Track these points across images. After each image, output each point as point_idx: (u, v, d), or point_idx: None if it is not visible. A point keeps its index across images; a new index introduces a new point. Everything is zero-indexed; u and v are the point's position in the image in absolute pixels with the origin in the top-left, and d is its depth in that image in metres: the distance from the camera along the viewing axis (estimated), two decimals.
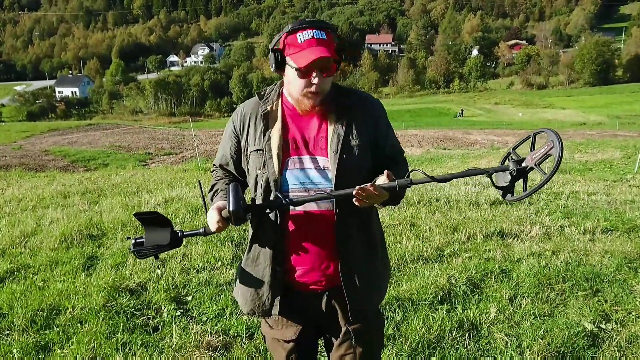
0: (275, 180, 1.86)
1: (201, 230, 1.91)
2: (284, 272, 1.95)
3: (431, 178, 1.75)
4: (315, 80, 1.80)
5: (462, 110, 71.41)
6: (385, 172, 1.79)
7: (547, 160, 1.71)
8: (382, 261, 2.07)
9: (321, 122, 1.91)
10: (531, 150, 1.75)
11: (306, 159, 1.88)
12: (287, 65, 1.84)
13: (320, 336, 2.15)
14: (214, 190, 2.04)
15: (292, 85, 1.85)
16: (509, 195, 1.81)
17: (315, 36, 1.78)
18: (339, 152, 1.85)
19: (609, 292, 3.94)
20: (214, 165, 2.17)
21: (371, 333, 2.04)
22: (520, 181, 1.78)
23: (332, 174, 1.85)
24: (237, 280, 2.10)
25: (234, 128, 2.02)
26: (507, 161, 1.83)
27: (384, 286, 2.12)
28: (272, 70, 1.89)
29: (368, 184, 1.72)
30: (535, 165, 1.70)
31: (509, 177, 1.77)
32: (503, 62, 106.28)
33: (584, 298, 3.85)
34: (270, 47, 1.87)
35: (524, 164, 1.74)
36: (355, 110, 1.93)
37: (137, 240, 1.88)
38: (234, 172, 2.08)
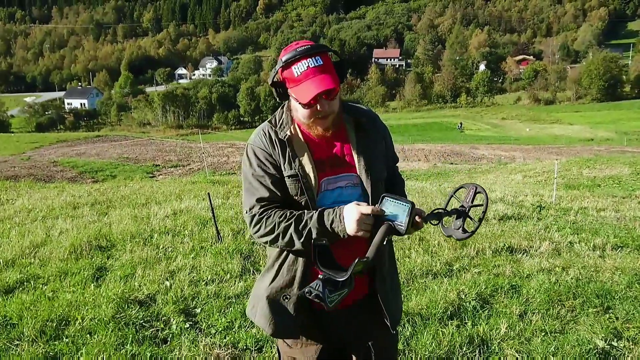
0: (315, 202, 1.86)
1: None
2: None
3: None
4: (320, 108, 1.79)
5: (461, 124, 70.88)
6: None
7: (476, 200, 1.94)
8: (397, 274, 2.19)
9: (341, 141, 1.93)
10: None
11: (339, 177, 1.90)
12: (291, 97, 1.84)
13: (341, 354, 2.09)
14: (304, 220, 1.79)
15: (300, 113, 1.85)
16: (457, 232, 1.91)
17: (311, 65, 1.75)
18: (369, 169, 1.90)
19: (620, 309, 3.90)
20: (262, 205, 1.87)
21: (391, 347, 2.08)
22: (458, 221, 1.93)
23: (369, 190, 1.88)
24: (256, 301, 2.02)
25: (265, 151, 1.89)
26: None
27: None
28: (279, 100, 1.88)
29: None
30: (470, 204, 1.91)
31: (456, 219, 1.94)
32: (510, 78, 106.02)
33: (595, 315, 3.81)
34: (269, 83, 1.85)
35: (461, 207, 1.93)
36: (367, 127, 1.97)
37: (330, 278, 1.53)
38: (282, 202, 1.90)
